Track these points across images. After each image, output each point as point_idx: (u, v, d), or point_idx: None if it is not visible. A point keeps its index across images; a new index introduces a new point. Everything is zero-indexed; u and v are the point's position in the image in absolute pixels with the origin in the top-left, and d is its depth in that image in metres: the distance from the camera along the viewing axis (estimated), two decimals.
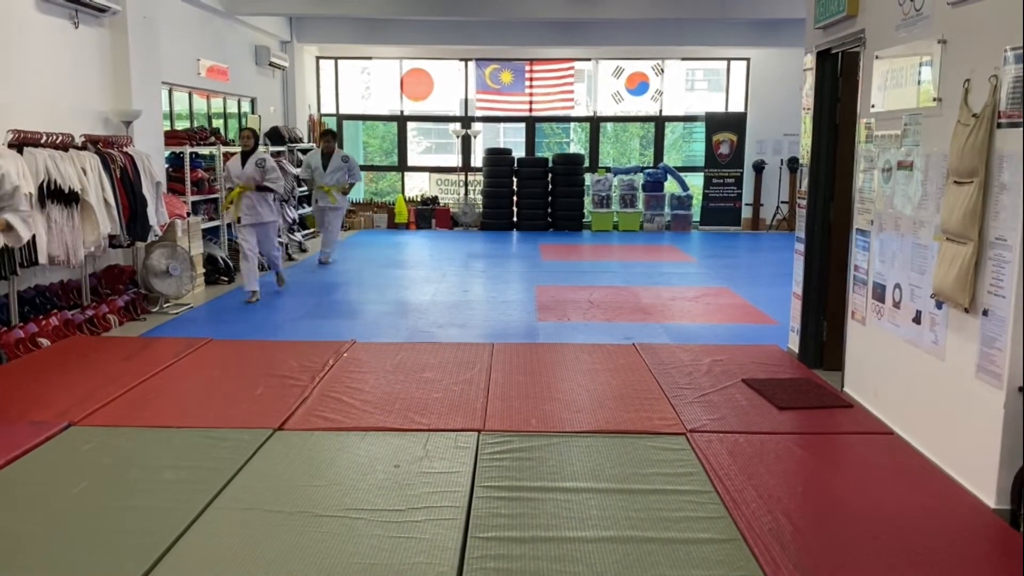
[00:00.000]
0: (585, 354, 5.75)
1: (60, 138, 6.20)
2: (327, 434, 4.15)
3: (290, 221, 11.43)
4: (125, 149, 7.06)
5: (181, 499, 3.36)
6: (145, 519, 3.19)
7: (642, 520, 3.25)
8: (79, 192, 6.08)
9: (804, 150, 5.78)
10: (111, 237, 6.63)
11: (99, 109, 7.41)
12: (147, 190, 7.06)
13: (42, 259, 5.75)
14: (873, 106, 4.69)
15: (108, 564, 2.86)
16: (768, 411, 4.55)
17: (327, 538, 3.07)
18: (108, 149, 6.77)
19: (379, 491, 3.49)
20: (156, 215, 7.22)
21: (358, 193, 15.88)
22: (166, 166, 8.59)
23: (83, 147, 6.53)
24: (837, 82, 5.42)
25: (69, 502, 3.36)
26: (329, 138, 10.48)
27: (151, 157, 7.35)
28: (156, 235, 7.31)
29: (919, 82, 4.11)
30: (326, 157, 10.26)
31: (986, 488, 3.43)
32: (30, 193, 5.48)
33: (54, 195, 5.85)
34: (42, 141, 5.98)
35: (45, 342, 5.88)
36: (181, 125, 9.97)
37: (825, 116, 5.50)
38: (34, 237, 5.66)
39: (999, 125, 3.35)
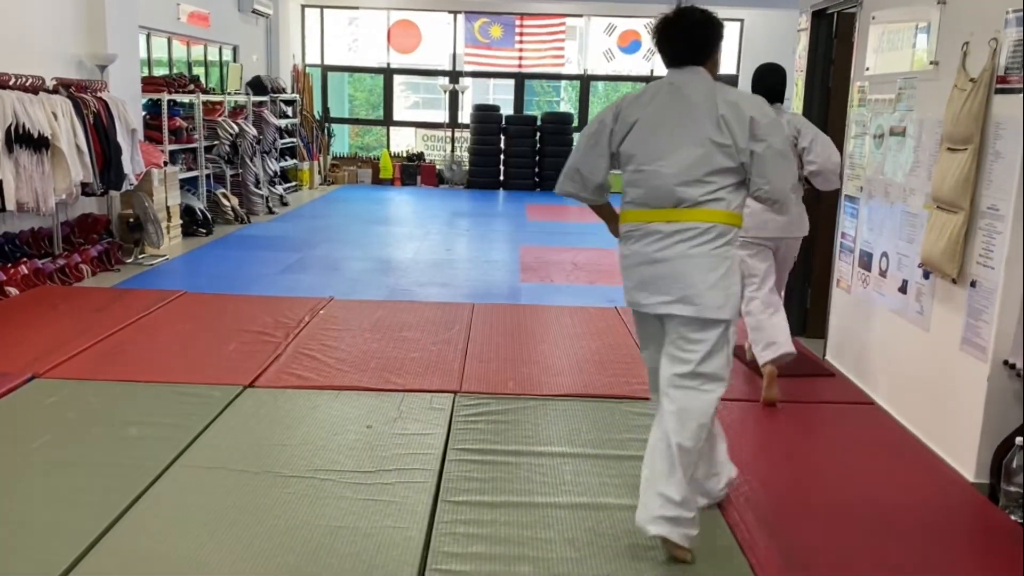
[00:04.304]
0: (566, 316, 5.66)
1: (29, 81, 5.99)
2: (299, 392, 4.05)
3: (271, 173, 11.23)
4: (99, 94, 6.84)
5: (145, 456, 3.26)
6: (106, 476, 3.10)
7: (616, 487, 3.19)
8: (49, 137, 5.88)
9: (794, 113, 5.65)
10: (84, 185, 6.45)
11: (72, 52, 7.17)
12: (122, 137, 6.86)
13: (9, 205, 5.58)
14: (867, 69, 4.57)
15: (66, 522, 2.77)
16: (748, 378, 4.48)
17: (293, 499, 2.99)
18: (81, 94, 6.55)
19: (349, 452, 3.40)
20: (131, 163, 7.03)
21: (342, 146, 15.65)
22: (143, 113, 8.36)
23: (54, 91, 6.31)
24: (831, 43, 5.29)
25: (28, 457, 3.26)
26: None
27: (127, 103, 7.14)
28: (131, 184, 7.13)
29: (916, 45, 3.99)
30: None
31: (966, 461, 3.39)
32: None
33: (22, 139, 5.66)
34: (10, 83, 5.77)
35: (13, 291, 5.73)
36: (160, 72, 9.70)
37: (818, 79, 5.38)
38: (1, 183, 5.48)
39: (997, 90, 3.25)
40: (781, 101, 4.13)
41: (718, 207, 2.62)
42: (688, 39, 2.69)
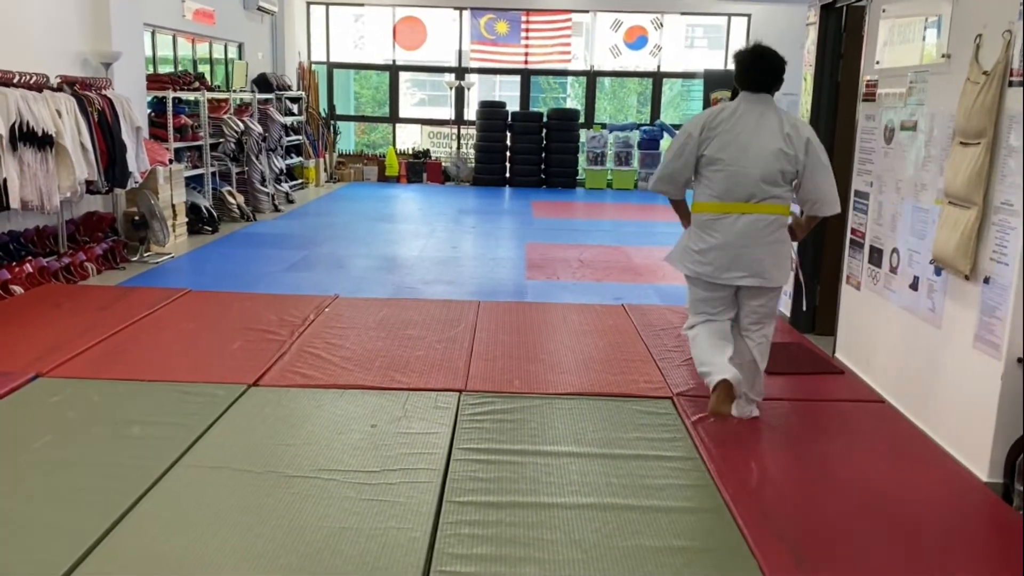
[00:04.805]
0: (573, 314, 5.62)
1: (34, 78, 5.97)
2: (303, 391, 4.02)
3: (277, 171, 11.20)
4: (104, 92, 6.81)
5: (147, 456, 3.24)
6: (108, 476, 3.07)
7: (624, 487, 3.15)
8: (53, 135, 5.86)
9: (804, 109, 5.60)
10: (88, 183, 6.42)
11: (77, 50, 7.15)
12: (126, 135, 6.83)
13: (14, 204, 5.55)
14: (877, 63, 4.51)
15: (67, 522, 2.74)
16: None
17: (297, 499, 2.95)
18: (85, 91, 6.53)
19: (354, 451, 3.37)
20: (136, 161, 7.00)
21: (348, 143, 15.62)
22: (148, 111, 8.34)
23: (58, 88, 6.29)
24: (841, 37, 5.23)
25: (30, 457, 3.24)
26: None
27: (131, 101, 7.10)
28: (136, 182, 7.10)
29: (927, 38, 3.93)
30: None
31: (979, 460, 3.33)
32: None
33: (26, 138, 5.64)
34: (14, 81, 5.75)
35: (18, 290, 5.71)
36: (165, 69, 9.68)
37: (827, 73, 5.32)
38: (5, 181, 5.46)
39: (1011, 84, 3.19)
40: None
41: (778, 203, 3.51)
42: (768, 74, 3.52)
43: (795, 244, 3.74)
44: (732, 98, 3.64)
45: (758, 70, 3.50)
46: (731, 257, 3.50)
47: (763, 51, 3.53)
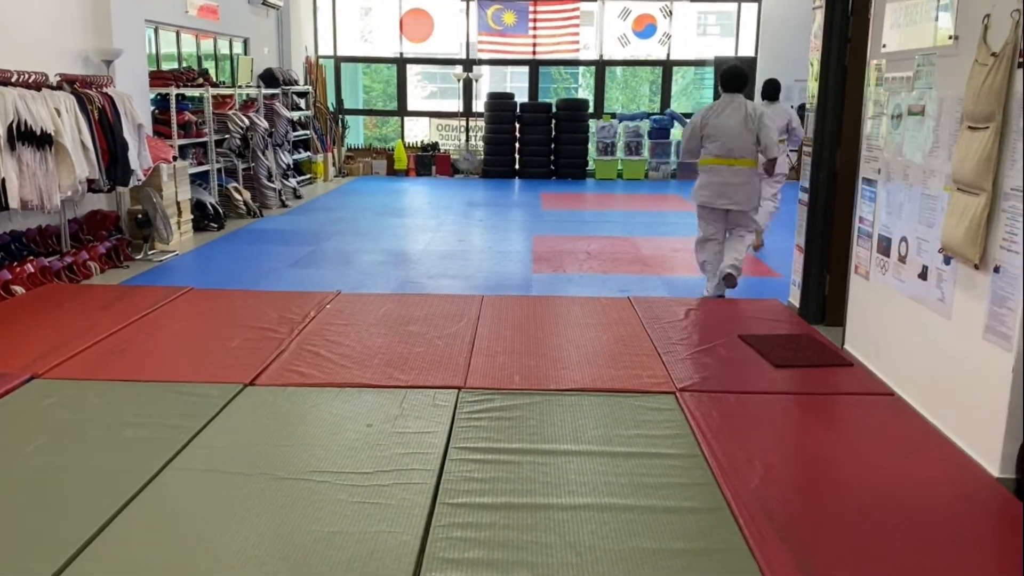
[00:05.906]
0: (577, 307, 5.54)
1: (32, 77, 5.94)
2: (300, 390, 3.97)
3: (284, 167, 11.16)
4: (104, 90, 6.78)
5: (138, 459, 3.19)
6: (98, 480, 3.02)
7: (623, 486, 3.07)
8: (52, 134, 5.83)
9: (811, 94, 5.48)
10: (90, 182, 6.39)
11: (78, 47, 7.12)
12: (128, 133, 6.80)
13: (13, 204, 5.53)
14: (884, 46, 4.39)
15: (50, 530, 2.69)
16: (763, 369, 4.34)
17: (287, 503, 2.90)
18: (85, 89, 6.49)
19: (348, 452, 3.31)
20: (138, 159, 6.97)
21: (358, 137, 15.57)
22: (152, 108, 8.32)
23: (58, 87, 6.26)
24: (848, 21, 5.09)
25: (21, 461, 3.19)
26: None
27: (133, 98, 7.06)
28: (139, 180, 7.07)
29: (935, 19, 3.81)
30: None
31: (990, 455, 3.23)
32: None
33: (25, 137, 5.61)
34: (12, 80, 5.72)
35: (19, 290, 5.69)
36: (169, 66, 9.65)
37: (834, 57, 5.18)
38: (4, 181, 5.44)
39: (1020, 65, 3.07)
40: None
41: (749, 158, 5.73)
42: (739, 82, 5.80)
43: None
44: (716, 96, 5.76)
45: (733, 80, 5.74)
46: (719, 192, 5.72)
47: (737, 68, 5.83)
